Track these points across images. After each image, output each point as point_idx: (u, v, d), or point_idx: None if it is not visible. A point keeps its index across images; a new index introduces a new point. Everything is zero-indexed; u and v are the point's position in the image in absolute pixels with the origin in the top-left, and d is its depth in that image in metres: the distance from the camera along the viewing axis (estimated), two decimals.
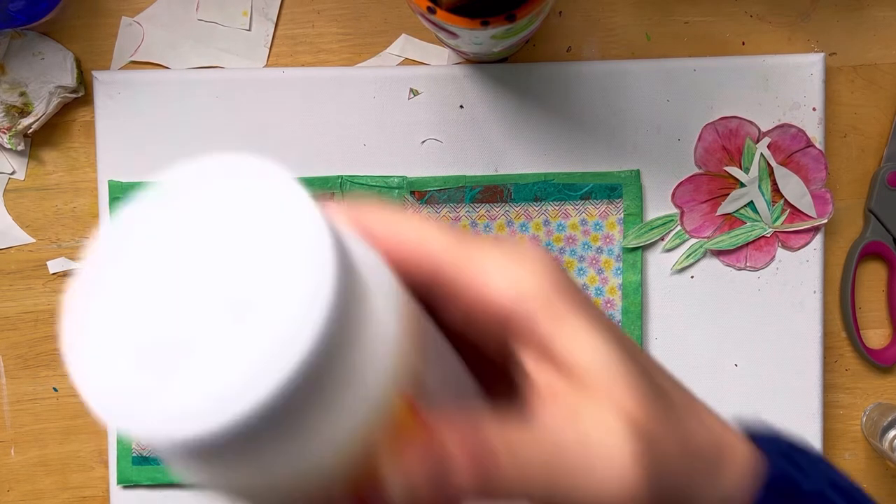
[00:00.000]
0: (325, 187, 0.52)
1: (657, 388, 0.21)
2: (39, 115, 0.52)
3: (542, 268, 0.20)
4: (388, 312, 0.17)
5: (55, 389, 0.55)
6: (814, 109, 0.52)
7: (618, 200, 0.52)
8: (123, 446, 0.53)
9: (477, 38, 0.42)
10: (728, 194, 0.52)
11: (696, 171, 0.52)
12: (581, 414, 0.20)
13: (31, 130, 0.53)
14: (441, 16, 0.39)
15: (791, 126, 0.52)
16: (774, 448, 0.24)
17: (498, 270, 0.20)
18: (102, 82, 0.52)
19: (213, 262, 0.15)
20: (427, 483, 0.18)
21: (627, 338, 0.22)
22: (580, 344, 0.20)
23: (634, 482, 0.19)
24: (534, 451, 0.19)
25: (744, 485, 0.23)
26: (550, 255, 0.22)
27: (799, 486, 0.23)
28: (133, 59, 0.53)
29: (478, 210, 0.52)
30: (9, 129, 0.52)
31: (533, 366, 0.20)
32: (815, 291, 0.53)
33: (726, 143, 0.52)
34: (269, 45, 0.53)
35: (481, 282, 0.20)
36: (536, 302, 0.20)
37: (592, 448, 0.19)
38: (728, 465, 0.23)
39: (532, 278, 0.20)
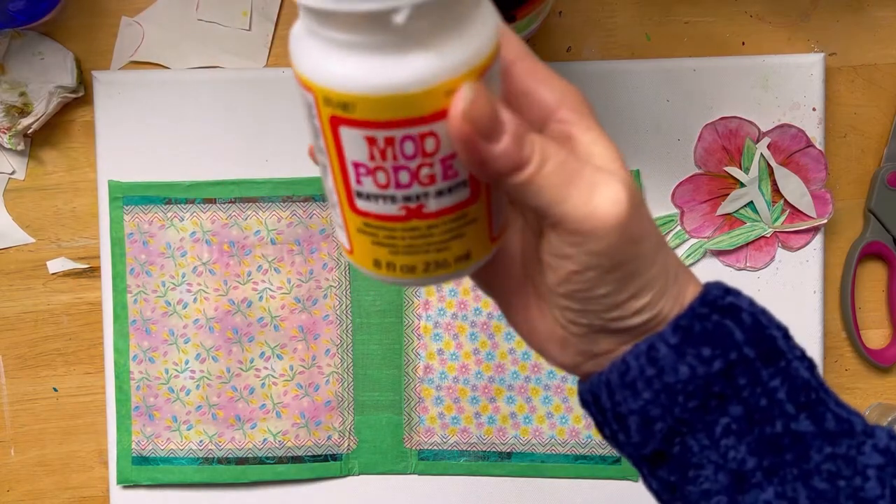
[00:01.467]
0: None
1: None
2: (39, 115, 0.52)
3: (576, 93, 0.28)
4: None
5: (55, 389, 0.55)
6: (814, 109, 0.52)
7: None
8: (123, 446, 0.53)
9: None
10: (728, 194, 0.52)
11: (696, 171, 0.52)
12: (599, 161, 0.27)
13: (31, 130, 0.53)
14: None
15: (791, 126, 0.52)
16: (717, 283, 0.30)
17: (548, 78, 0.27)
18: (102, 82, 0.52)
19: None
20: (474, 129, 0.23)
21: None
22: (604, 142, 0.27)
23: (621, 213, 0.25)
24: (559, 161, 0.25)
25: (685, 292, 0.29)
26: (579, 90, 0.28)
27: (732, 303, 0.28)
28: (133, 59, 0.53)
29: None
30: (9, 129, 0.52)
31: (580, 133, 0.27)
32: (815, 291, 0.53)
33: (726, 143, 0.52)
34: (269, 45, 0.53)
35: (538, 87, 0.27)
36: (571, 114, 0.27)
37: (602, 178, 0.26)
38: (681, 275, 0.29)
39: (571, 96, 0.27)
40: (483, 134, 0.24)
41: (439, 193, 0.25)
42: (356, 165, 0.25)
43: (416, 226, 0.26)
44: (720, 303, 0.28)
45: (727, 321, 0.28)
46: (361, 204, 0.26)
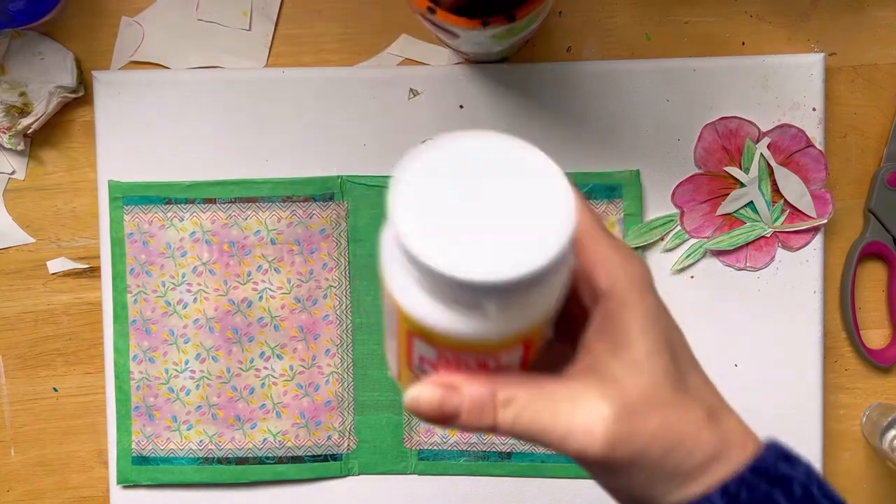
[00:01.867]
0: (325, 187, 0.52)
1: (676, 379, 0.28)
2: (39, 115, 0.52)
3: (632, 270, 0.28)
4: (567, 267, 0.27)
5: (55, 389, 0.55)
6: (814, 109, 0.52)
7: (618, 200, 0.52)
8: (123, 446, 0.53)
9: (477, 38, 0.42)
10: (728, 194, 0.52)
11: (696, 171, 0.52)
12: (584, 396, 0.27)
13: (31, 130, 0.53)
14: (441, 16, 0.39)
15: (791, 126, 0.52)
16: (774, 448, 0.29)
17: (607, 261, 0.28)
18: (102, 82, 0.52)
19: (503, 187, 0.24)
20: (426, 417, 0.27)
21: (675, 331, 0.29)
22: (634, 334, 0.27)
23: (604, 432, 0.26)
24: (529, 411, 0.27)
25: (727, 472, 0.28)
26: (640, 261, 0.29)
27: (785, 474, 0.28)
28: (133, 59, 0.53)
29: None
30: (9, 129, 0.52)
31: (591, 334, 0.28)
32: (815, 291, 0.53)
33: (726, 143, 0.52)
34: (269, 45, 0.53)
35: (594, 270, 0.28)
36: (615, 299, 0.28)
37: (581, 399, 0.27)
38: (723, 460, 0.28)
39: (623, 276, 0.28)
40: (436, 420, 0.27)
41: None
42: (422, 359, 0.28)
43: None
44: (772, 472, 0.28)
45: (776, 492, 0.27)
46: (418, 371, 0.29)
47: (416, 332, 0.26)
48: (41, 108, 0.52)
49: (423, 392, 0.27)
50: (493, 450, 0.53)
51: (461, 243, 0.23)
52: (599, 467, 0.28)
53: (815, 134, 0.52)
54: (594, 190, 0.52)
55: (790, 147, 0.52)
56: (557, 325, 0.30)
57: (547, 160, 0.25)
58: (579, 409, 0.27)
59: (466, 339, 0.26)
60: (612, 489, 0.29)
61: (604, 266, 0.28)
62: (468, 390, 0.27)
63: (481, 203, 0.24)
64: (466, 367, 0.27)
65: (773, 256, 0.52)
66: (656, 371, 0.27)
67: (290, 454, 0.53)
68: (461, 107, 0.52)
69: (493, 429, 0.27)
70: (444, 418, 0.27)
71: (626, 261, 0.28)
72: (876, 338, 0.55)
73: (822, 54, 0.52)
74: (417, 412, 0.27)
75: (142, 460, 0.53)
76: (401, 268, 0.26)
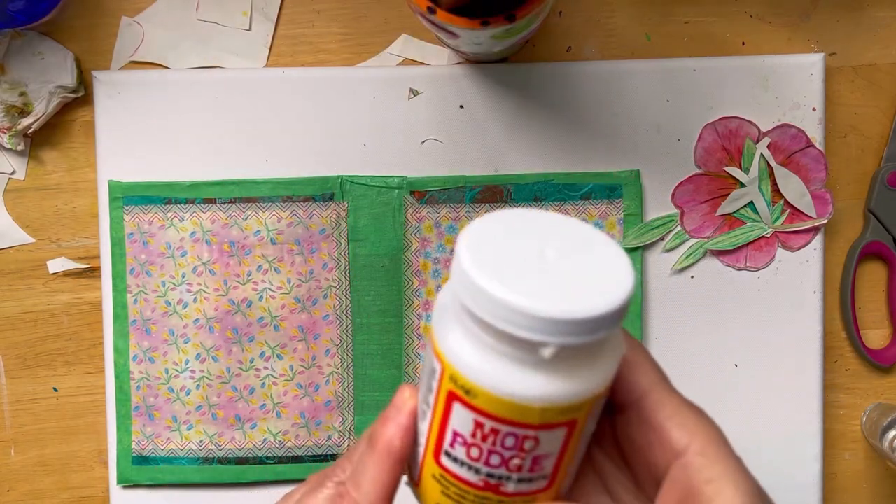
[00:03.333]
0: (324, 187, 0.52)
1: None
2: (39, 115, 0.52)
3: (707, 430, 0.28)
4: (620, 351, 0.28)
5: (55, 389, 0.55)
6: (814, 109, 0.52)
7: (618, 200, 0.52)
8: (123, 446, 0.53)
9: (477, 38, 0.42)
10: (728, 194, 0.52)
11: (696, 171, 0.52)
12: None
13: (31, 130, 0.53)
14: (441, 16, 0.39)
15: (791, 126, 0.52)
16: None
17: (681, 416, 0.28)
18: (102, 82, 0.52)
19: (565, 249, 0.26)
20: None
21: (761, 491, 0.28)
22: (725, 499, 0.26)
23: None
24: None
25: None
26: (712, 421, 0.28)
27: None
28: (133, 59, 0.53)
29: (478, 210, 0.52)
30: (9, 129, 0.52)
31: (702, 484, 0.27)
32: (815, 291, 0.53)
33: (726, 143, 0.52)
34: (269, 45, 0.53)
35: (667, 424, 0.28)
36: (697, 458, 0.27)
37: None
38: None
39: (700, 435, 0.28)
40: None
41: (520, 480, 0.28)
42: (455, 434, 0.27)
43: (489, 497, 0.28)
44: None
45: None
46: (446, 461, 0.28)
47: (458, 393, 0.26)
48: (41, 108, 0.52)
49: None
50: None
51: (527, 286, 0.24)
52: None
53: (815, 134, 0.52)
54: (594, 190, 0.52)
55: (790, 147, 0.52)
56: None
57: (602, 232, 0.27)
58: None
59: (511, 398, 0.25)
60: None
61: (678, 421, 0.28)
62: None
63: (544, 258, 0.26)
64: (502, 447, 0.27)
65: (773, 256, 0.53)
66: None
67: (290, 454, 0.53)
68: (461, 107, 0.52)
69: None
70: None
71: (701, 418, 0.28)
72: (876, 338, 0.55)
73: (822, 54, 0.52)
74: None
75: (142, 460, 0.53)
76: (455, 323, 0.26)
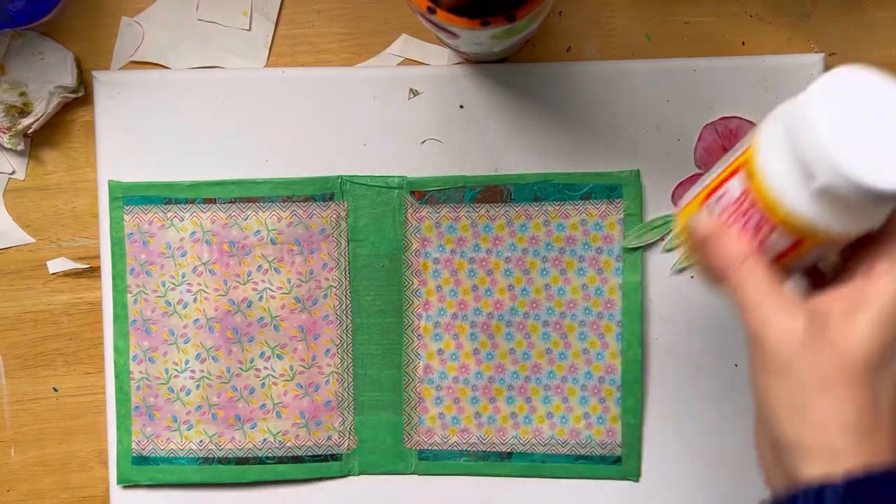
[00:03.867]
0: (325, 187, 0.52)
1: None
2: (39, 115, 0.52)
3: None
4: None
5: (55, 389, 0.55)
6: None
7: (618, 200, 0.52)
8: (123, 446, 0.53)
9: (477, 38, 0.42)
10: None
11: (696, 171, 0.52)
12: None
13: (31, 130, 0.53)
14: (441, 16, 0.39)
15: None
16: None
17: None
18: (102, 82, 0.52)
19: None
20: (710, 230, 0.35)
21: None
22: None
23: (792, 342, 0.32)
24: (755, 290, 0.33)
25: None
26: None
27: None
28: (133, 59, 0.53)
29: (478, 210, 0.52)
30: (9, 129, 0.52)
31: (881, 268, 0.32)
32: None
33: (726, 143, 0.52)
34: (269, 45, 0.53)
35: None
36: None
37: (782, 309, 0.33)
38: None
39: None
40: (697, 243, 0.35)
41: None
42: (724, 193, 0.35)
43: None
44: None
45: None
46: (708, 207, 0.36)
47: (747, 167, 0.33)
48: (41, 108, 0.52)
49: (702, 218, 0.35)
50: (494, 450, 0.53)
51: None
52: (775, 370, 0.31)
53: None
54: (594, 190, 0.52)
55: None
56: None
57: None
58: (777, 316, 0.32)
59: (775, 194, 0.32)
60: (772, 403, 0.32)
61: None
62: (732, 238, 0.34)
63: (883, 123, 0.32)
64: (747, 219, 0.34)
65: None
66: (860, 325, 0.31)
67: (290, 454, 0.53)
68: (461, 107, 0.52)
69: (723, 276, 0.34)
70: (701, 243, 0.35)
71: None
72: None
73: (822, 54, 0.52)
74: (691, 231, 0.35)
75: (142, 460, 0.53)
76: (784, 138, 0.32)
